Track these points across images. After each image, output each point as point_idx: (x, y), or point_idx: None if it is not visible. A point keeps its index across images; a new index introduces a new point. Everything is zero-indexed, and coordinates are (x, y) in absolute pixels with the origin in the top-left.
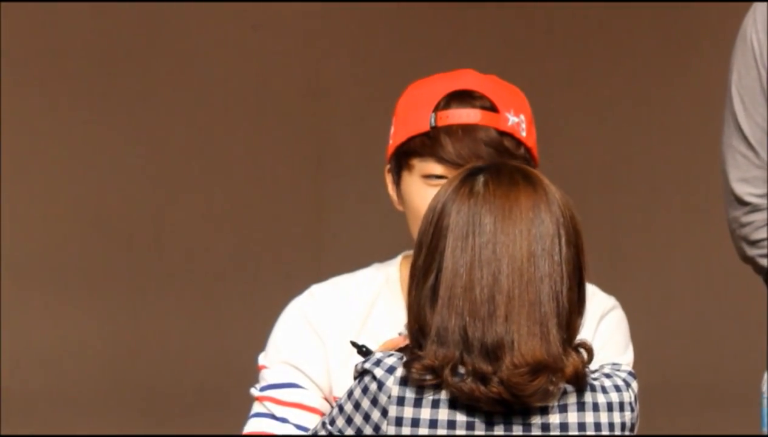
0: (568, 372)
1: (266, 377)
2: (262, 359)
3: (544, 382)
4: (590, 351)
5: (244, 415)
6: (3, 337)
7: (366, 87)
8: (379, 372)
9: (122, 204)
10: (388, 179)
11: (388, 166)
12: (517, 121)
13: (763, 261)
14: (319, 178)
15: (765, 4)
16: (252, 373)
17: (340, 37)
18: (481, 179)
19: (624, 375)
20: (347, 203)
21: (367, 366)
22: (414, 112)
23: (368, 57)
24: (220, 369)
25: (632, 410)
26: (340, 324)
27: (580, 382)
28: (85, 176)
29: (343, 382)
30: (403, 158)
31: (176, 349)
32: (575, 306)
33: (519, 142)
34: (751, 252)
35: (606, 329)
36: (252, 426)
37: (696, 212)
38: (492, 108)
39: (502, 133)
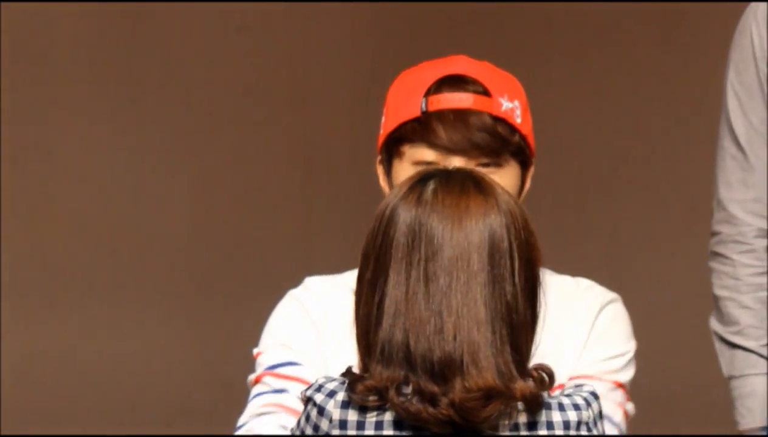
0: (518, 397)
1: (263, 361)
2: (258, 348)
3: (497, 408)
4: (550, 375)
5: (231, 429)
6: None
7: (355, 90)
8: (319, 397)
9: (103, 210)
10: (380, 171)
11: (379, 158)
12: (511, 106)
13: (715, 283)
14: (307, 184)
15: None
16: (239, 386)
17: (328, 38)
18: (430, 186)
19: (585, 394)
20: (337, 211)
21: (308, 393)
22: (404, 98)
23: (358, 59)
24: (205, 381)
25: (590, 430)
26: (335, 315)
27: (532, 405)
28: (65, 181)
29: (336, 372)
30: (393, 146)
31: (159, 361)
32: (528, 325)
33: (513, 129)
34: (710, 263)
35: (603, 322)
36: (252, 406)
37: (700, 217)
38: (485, 92)
39: (496, 119)
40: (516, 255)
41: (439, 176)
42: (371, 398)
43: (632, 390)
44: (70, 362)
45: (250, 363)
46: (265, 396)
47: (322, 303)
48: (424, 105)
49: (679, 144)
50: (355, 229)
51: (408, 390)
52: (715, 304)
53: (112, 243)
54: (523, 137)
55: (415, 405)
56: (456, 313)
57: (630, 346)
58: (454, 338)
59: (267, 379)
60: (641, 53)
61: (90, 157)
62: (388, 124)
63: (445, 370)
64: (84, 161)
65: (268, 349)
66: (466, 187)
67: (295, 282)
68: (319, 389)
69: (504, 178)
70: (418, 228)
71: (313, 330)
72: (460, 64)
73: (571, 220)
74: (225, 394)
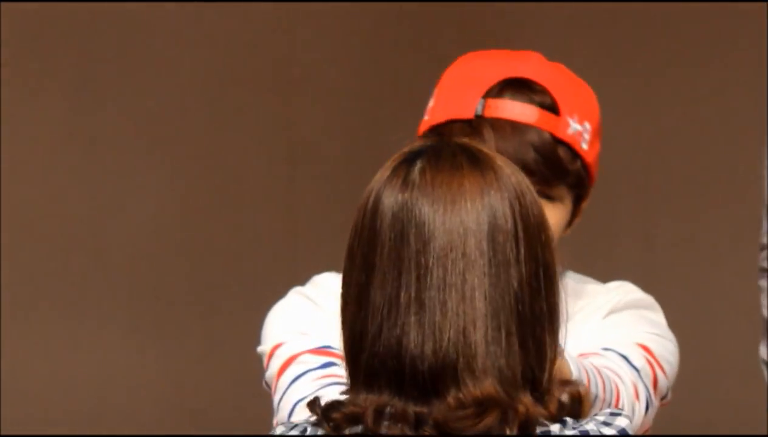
0: (521, 412)
1: (285, 352)
2: (269, 343)
3: (491, 422)
4: (577, 398)
5: None
6: None
7: (345, 76)
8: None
9: (55, 210)
10: None
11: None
12: (579, 129)
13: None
14: (293, 180)
15: None
16: (213, 413)
17: (315, 19)
18: (417, 166)
19: (614, 431)
20: (326, 209)
21: (278, 432)
22: (461, 90)
23: (348, 41)
24: (174, 408)
25: None
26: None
27: (526, 426)
28: (9, 176)
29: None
30: None
31: (121, 385)
32: (544, 319)
33: (576, 155)
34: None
35: (625, 315)
36: (304, 385)
37: (745, 223)
38: (552, 107)
39: (558, 141)
40: (522, 236)
41: (427, 152)
42: (347, 432)
43: (667, 419)
44: (14, 385)
45: (227, 386)
46: (315, 371)
47: (332, 300)
48: (480, 108)
49: (726, 142)
50: (346, 229)
51: (390, 410)
52: (764, 330)
53: (64, 248)
54: (585, 166)
55: (394, 430)
56: (451, 311)
57: (664, 331)
58: (448, 340)
59: (305, 358)
60: (684, 47)
61: (38, 147)
62: (436, 113)
63: (436, 383)
64: (31, 153)
65: (288, 340)
66: (458, 162)
67: (280, 289)
68: (291, 429)
69: (552, 211)
70: (405, 216)
71: (326, 322)
72: (531, 65)
73: (600, 222)
74: (197, 423)
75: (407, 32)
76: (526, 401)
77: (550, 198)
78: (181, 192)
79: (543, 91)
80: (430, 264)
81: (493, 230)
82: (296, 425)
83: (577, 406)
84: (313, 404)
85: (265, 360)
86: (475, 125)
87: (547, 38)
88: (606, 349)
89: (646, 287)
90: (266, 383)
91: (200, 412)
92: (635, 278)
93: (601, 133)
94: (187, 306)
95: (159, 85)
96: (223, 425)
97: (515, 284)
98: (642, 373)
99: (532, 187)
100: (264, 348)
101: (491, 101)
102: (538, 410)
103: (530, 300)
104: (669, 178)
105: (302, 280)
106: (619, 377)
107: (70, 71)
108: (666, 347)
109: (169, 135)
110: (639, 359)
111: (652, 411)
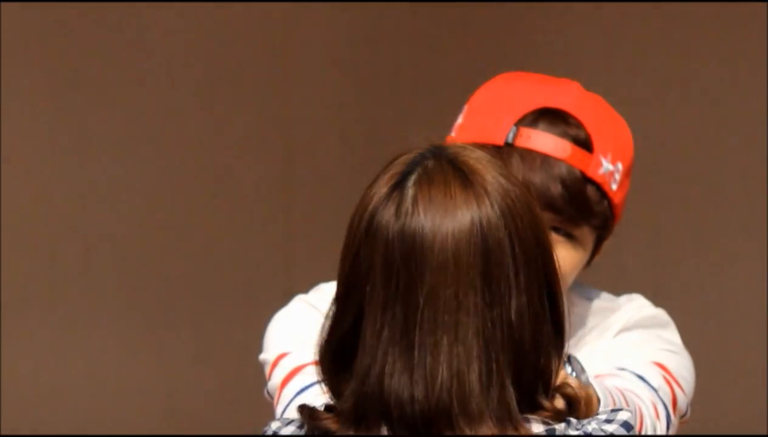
0: (521, 433)
1: (290, 363)
2: (273, 351)
3: None
4: (573, 400)
5: None
6: None
7: (342, 73)
8: None
9: (42, 209)
10: None
11: None
12: (611, 169)
13: None
14: (288, 179)
15: None
16: (209, 419)
17: (312, 16)
18: (409, 193)
19: (615, 426)
20: (321, 209)
21: (272, 428)
22: (493, 113)
23: (344, 38)
24: (167, 414)
25: None
26: None
27: None
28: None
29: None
30: None
31: (110, 391)
32: (546, 343)
33: (605, 195)
34: None
35: (637, 333)
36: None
37: (761, 221)
38: (586, 144)
39: (588, 180)
40: (522, 263)
41: (420, 176)
42: None
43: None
44: (5, 387)
45: (223, 392)
46: (318, 386)
47: None
48: (512, 136)
49: (739, 135)
50: (342, 229)
51: None
52: None
53: (51, 248)
54: (611, 206)
55: None
56: (444, 353)
57: (678, 348)
58: (440, 383)
59: (310, 369)
60: (689, 40)
61: (24, 144)
62: (464, 132)
63: (429, 427)
64: (16, 150)
65: (293, 350)
66: (450, 190)
67: (274, 292)
68: None
69: (573, 251)
70: (397, 248)
71: None
72: (570, 96)
73: None
74: (191, 429)
75: (405, 29)
76: (528, 430)
77: (571, 237)
78: (174, 191)
79: (578, 126)
80: (420, 303)
81: (488, 261)
82: (292, 421)
83: (575, 407)
84: (302, 411)
85: (267, 369)
86: (504, 153)
87: (551, 34)
88: (621, 369)
89: (653, 286)
90: (268, 393)
91: (193, 414)
92: (643, 277)
93: (631, 173)
94: (179, 306)
95: (153, 82)
96: (216, 427)
97: (513, 315)
98: (660, 392)
99: (529, 196)
100: (267, 356)
101: (524, 130)
102: (532, 432)
103: (532, 327)
104: (677, 176)
105: (297, 281)
106: (639, 397)
107: (61, 66)
108: (682, 363)
109: (163, 132)
110: (656, 378)
111: (672, 431)
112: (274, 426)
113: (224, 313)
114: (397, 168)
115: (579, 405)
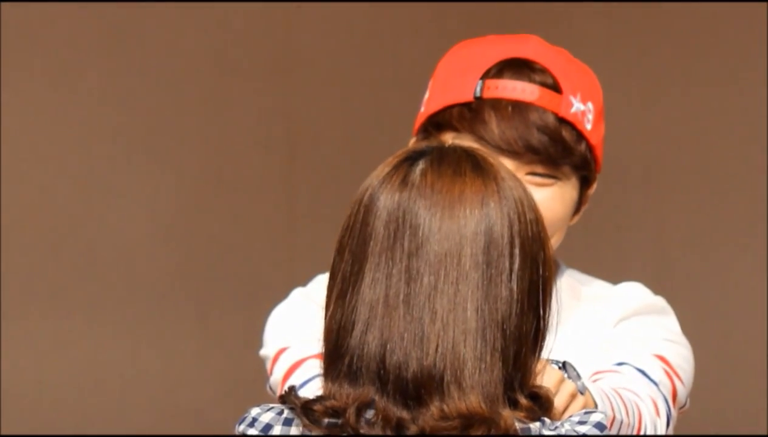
0: (502, 427)
1: (290, 357)
2: (272, 346)
3: None
4: (547, 401)
5: None
6: None
7: (345, 65)
8: (252, 432)
9: (45, 204)
10: None
11: (413, 140)
12: (582, 108)
13: None
14: (291, 171)
15: None
16: (212, 413)
17: (314, 7)
18: (418, 166)
19: (588, 427)
20: (324, 202)
21: (240, 428)
22: (457, 75)
23: (347, 30)
24: (170, 408)
25: None
26: None
27: None
28: (1, 173)
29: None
30: (434, 131)
31: (113, 383)
32: (527, 339)
33: (581, 136)
34: None
35: (637, 322)
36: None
37: (762, 218)
38: (554, 86)
39: (562, 121)
40: (518, 253)
41: (431, 154)
42: (326, 421)
43: (681, 422)
44: (6, 385)
45: (226, 386)
46: (318, 379)
47: None
48: (479, 89)
49: (741, 130)
50: None
51: (371, 413)
52: None
53: (54, 243)
54: (590, 148)
55: (375, 431)
56: (440, 320)
57: (678, 337)
58: (436, 350)
59: (311, 362)
60: (689, 40)
61: (28, 140)
62: (432, 102)
63: (420, 390)
64: (20, 146)
65: (293, 344)
66: (461, 169)
67: (277, 285)
68: (252, 424)
69: (558, 194)
70: (401, 216)
71: None
72: (530, 47)
73: (610, 215)
74: (194, 424)
75: (407, 20)
76: (506, 415)
77: (556, 178)
78: (177, 185)
79: (543, 71)
80: (422, 269)
81: (489, 243)
82: (272, 407)
83: (548, 407)
84: (290, 394)
85: (268, 364)
86: (475, 107)
87: (552, 31)
88: (621, 364)
89: (656, 281)
90: (271, 388)
91: (196, 411)
92: (645, 271)
93: (604, 115)
94: (181, 301)
95: (155, 74)
96: (220, 423)
97: (504, 302)
98: (661, 386)
99: (534, 203)
100: (267, 351)
101: (490, 82)
102: (517, 416)
103: (518, 319)
104: (680, 172)
105: (300, 274)
106: (638, 396)
107: (62, 62)
108: (681, 354)
109: (165, 125)
110: (657, 372)
111: (672, 424)
112: (253, 412)
113: (227, 307)
114: (407, 152)
115: (551, 405)
